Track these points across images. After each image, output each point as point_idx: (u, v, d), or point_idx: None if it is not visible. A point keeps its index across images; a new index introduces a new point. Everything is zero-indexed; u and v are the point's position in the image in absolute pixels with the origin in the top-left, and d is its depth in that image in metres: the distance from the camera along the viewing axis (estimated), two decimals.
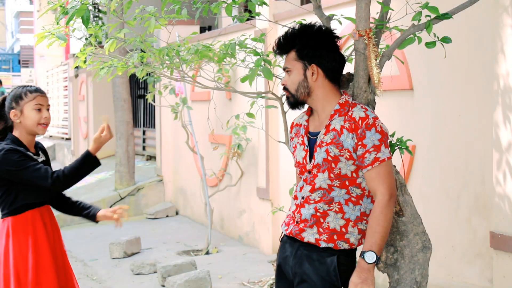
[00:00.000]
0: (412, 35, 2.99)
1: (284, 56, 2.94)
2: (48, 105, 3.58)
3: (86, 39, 10.32)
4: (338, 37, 2.92)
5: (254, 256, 6.97)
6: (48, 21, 5.28)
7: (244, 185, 7.65)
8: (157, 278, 6.20)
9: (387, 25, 3.08)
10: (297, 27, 2.91)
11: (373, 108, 3.00)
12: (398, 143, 3.17)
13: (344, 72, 3.07)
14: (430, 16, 2.95)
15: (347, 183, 2.83)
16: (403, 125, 5.00)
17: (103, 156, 13.29)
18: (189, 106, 7.71)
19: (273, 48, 2.98)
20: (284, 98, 3.42)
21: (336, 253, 2.83)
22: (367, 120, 2.79)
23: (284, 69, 2.93)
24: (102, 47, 4.50)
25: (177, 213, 9.69)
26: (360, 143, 2.78)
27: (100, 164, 3.57)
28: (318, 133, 2.89)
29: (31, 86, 3.58)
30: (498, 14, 4.18)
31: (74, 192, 10.72)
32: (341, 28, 4.67)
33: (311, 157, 2.88)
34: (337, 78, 2.92)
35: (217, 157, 8.00)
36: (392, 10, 3.08)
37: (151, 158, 11.81)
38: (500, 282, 4.22)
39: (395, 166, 2.97)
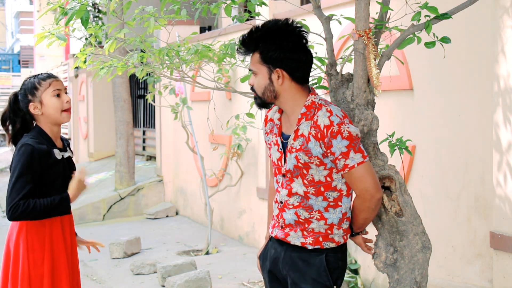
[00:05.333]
0: (411, 35, 2.98)
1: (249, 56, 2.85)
2: (65, 88, 3.31)
3: (86, 39, 10.32)
4: (304, 32, 2.80)
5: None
6: (48, 21, 5.28)
7: (244, 185, 7.64)
8: (157, 278, 6.20)
9: (387, 25, 3.07)
10: (260, 27, 2.78)
11: (373, 108, 2.99)
12: (398, 143, 3.16)
13: (344, 72, 3.06)
14: (429, 16, 2.94)
15: (322, 189, 2.79)
16: (403, 125, 5.00)
17: (103, 156, 13.30)
18: (189, 106, 7.71)
19: (237, 49, 2.90)
20: None
21: (324, 251, 2.82)
22: (331, 128, 2.70)
23: (249, 70, 2.86)
24: (102, 47, 4.50)
25: (177, 213, 9.69)
26: (328, 151, 2.73)
27: (69, 213, 3.30)
28: (289, 136, 2.83)
29: (41, 74, 3.32)
30: (498, 15, 4.18)
31: None
32: (341, 28, 4.69)
33: (285, 160, 2.84)
34: (305, 78, 2.83)
35: (217, 157, 7.99)
36: (392, 10, 3.07)
37: (151, 158, 11.81)
38: (500, 282, 4.22)
39: (394, 166, 2.97)
